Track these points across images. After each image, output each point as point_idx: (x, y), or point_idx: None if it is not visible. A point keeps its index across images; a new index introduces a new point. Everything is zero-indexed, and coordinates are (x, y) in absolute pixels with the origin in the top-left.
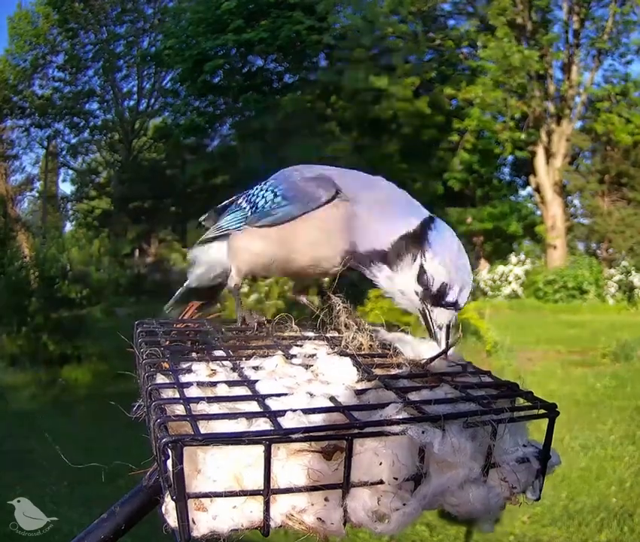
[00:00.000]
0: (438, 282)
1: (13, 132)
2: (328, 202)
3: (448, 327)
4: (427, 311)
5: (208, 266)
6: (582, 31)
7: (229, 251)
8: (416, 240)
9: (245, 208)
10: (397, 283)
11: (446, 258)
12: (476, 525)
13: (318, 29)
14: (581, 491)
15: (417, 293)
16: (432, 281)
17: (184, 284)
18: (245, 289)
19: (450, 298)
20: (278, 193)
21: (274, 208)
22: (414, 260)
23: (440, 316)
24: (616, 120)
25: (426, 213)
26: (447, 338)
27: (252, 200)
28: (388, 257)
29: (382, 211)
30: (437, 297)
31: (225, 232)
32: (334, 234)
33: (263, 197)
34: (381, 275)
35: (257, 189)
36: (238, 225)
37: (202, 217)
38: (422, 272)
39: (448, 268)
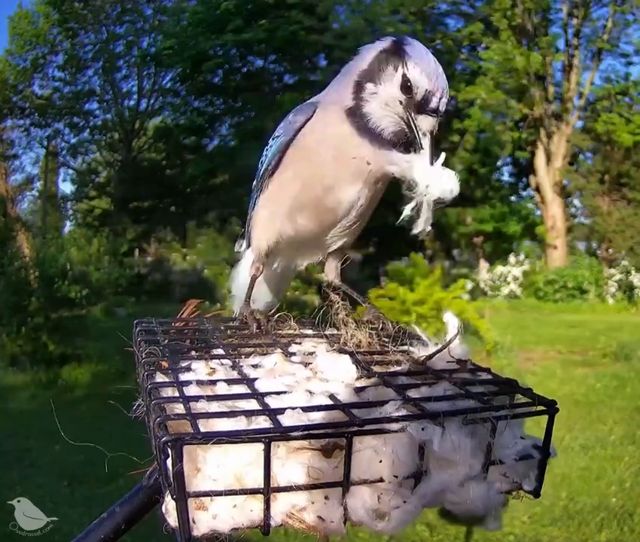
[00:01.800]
0: (422, 89)
1: (13, 132)
2: (307, 121)
3: (432, 133)
4: (411, 119)
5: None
6: (582, 31)
7: (250, 240)
8: (395, 53)
9: (257, 175)
10: (382, 96)
11: (426, 66)
12: (482, 524)
13: (318, 29)
14: (581, 491)
15: (401, 103)
16: (416, 88)
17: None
18: None
19: (433, 104)
20: (272, 140)
21: (269, 150)
22: (396, 70)
23: (424, 122)
24: (616, 120)
25: (393, 37)
26: (431, 145)
27: (261, 161)
28: (370, 74)
29: (347, 68)
30: (420, 104)
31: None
32: (330, 111)
33: (265, 151)
34: (367, 95)
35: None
36: (253, 202)
37: (237, 247)
38: (405, 80)
39: (429, 75)
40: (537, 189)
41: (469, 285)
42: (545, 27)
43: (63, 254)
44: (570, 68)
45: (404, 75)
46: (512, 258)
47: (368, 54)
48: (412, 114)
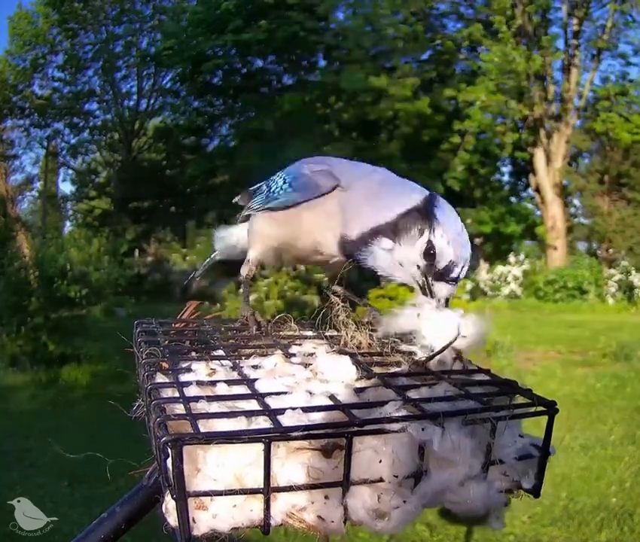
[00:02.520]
0: (446, 260)
1: (13, 132)
2: (328, 192)
3: (448, 300)
4: (427, 284)
5: (234, 240)
6: (582, 31)
7: (248, 234)
8: (423, 215)
9: (264, 191)
10: (398, 255)
11: (453, 236)
12: (486, 523)
13: (318, 30)
14: (581, 491)
15: (419, 267)
16: (441, 258)
17: (211, 256)
18: None
19: (454, 274)
20: (286, 181)
21: (281, 193)
22: (421, 235)
23: (442, 290)
24: (615, 119)
25: (427, 191)
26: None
27: (269, 185)
28: (388, 231)
29: (377, 192)
30: (442, 273)
31: (250, 212)
32: (331, 220)
33: (276, 183)
34: (378, 248)
35: (276, 175)
36: (257, 206)
37: (237, 198)
38: (429, 247)
39: (455, 246)
40: (537, 189)
41: (469, 285)
42: (545, 27)
43: (63, 254)
44: (570, 69)
45: (430, 242)
46: (512, 258)
47: (397, 208)
48: (430, 280)
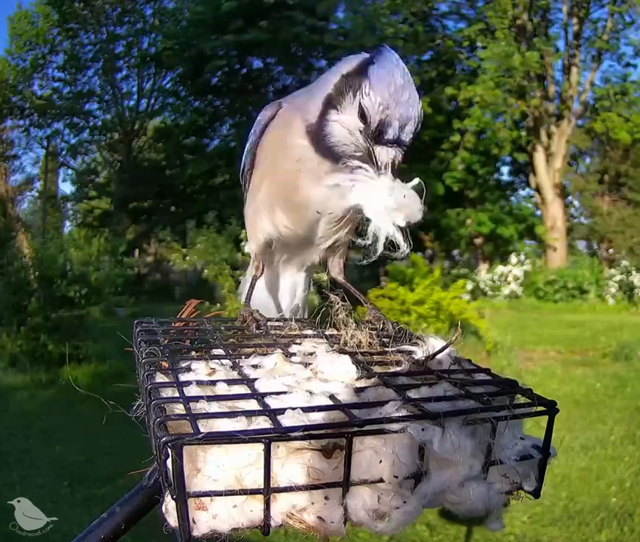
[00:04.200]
0: (376, 119)
1: (13, 132)
2: (272, 118)
3: (393, 165)
4: (371, 149)
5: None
6: (582, 31)
7: (246, 233)
8: (357, 76)
9: (240, 172)
10: (345, 124)
11: (384, 92)
12: (485, 524)
13: (319, 29)
14: (581, 491)
15: (361, 132)
16: (369, 118)
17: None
18: None
19: (390, 135)
20: (249, 135)
21: (247, 148)
22: (355, 98)
23: (382, 154)
24: (615, 119)
25: (366, 54)
26: (393, 177)
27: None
28: (333, 100)
29: (320, 78)
30: (376, 135)
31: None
32: (290, 125)
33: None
34: (329, 122)
35: None
36: (244, 196)
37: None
38: (361, 108)
39: (386, 103)
40: (538, 189)
41: (469, 285)
42: (545, 27)
43: (63, 254)
44: (570, 68)
45: (360, 103)
46: (513, 258)
47: (333, 76)
48: (372, 144)
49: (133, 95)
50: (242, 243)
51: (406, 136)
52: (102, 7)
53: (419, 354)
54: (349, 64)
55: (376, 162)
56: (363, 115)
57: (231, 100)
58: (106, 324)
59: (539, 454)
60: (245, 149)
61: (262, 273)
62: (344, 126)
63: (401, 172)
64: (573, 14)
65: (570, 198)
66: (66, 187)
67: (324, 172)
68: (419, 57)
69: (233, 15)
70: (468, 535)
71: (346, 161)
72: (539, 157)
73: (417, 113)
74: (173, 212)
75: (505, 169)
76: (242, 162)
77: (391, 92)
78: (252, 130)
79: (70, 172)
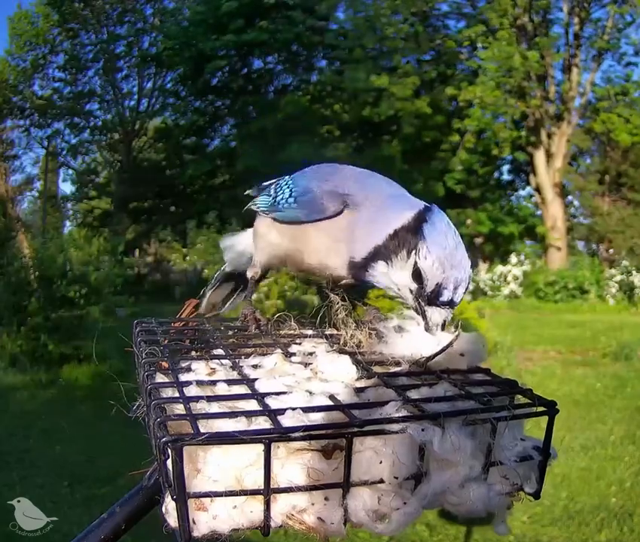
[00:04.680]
0: (432, 282)
1: (13, 132)
2: (335, 215)
3: (443, 325)
4: (420, 309)
5: (241, 247)
6: (582, 31)
7: (253, 235)
8: (412, 234)
9: (271, 195)
10: (394, 279)
11: (441, 255)
12: (492, 529)
13: (319, 29)
14: (581, 491)
15: (411, 291)
16: (426, 281)
17: (221, 268)
18: None
19: (445, 298)
20: (292, 194)
21: (286, 206)
22: (409, 257)
23: (435, 315)
24: (615, 120)
25: (422, 204)
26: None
27: (277, 191)
28: (384, 253)
29: (377, 212)
30: (431, 296)
31: (255, 209)
32: (338, 243)
33: (282, 191)
34: (377, 272)
35: (284, 180)
36: (263, 209)
37: (249, 191)
38: (416, 270)
39: (443, 266)
40: (538, 189)
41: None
42: (546, 27)
43: (62, 254)
44: (570, 68)
45: (415, 264)
46: (513, 258)
47: (387, 230)
48: (422, 305)
49: (134, 95)
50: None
51: (458, 298)
52: (102, 7)
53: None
54: (401, 219)
55: (427, 321)
56: (418, 276)
57: (231, 100)
58: (106, 324)
59: (539, 456)
60: (291, 191)
61: (260, 277)
62: (393, 282)
63: (403, 173)
64: (573, 14)
65: (570, 198)
66: (66, 187)
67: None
68: (419, 57)
69: (233, 15)
70: (468, 535)
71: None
72: (539, 157)
73: (468, 274)
74: (173, 212)
75: (505, 169)
76: (280, 215)
77: (447, 254)
78: (305, 196)
79: (70, 172)
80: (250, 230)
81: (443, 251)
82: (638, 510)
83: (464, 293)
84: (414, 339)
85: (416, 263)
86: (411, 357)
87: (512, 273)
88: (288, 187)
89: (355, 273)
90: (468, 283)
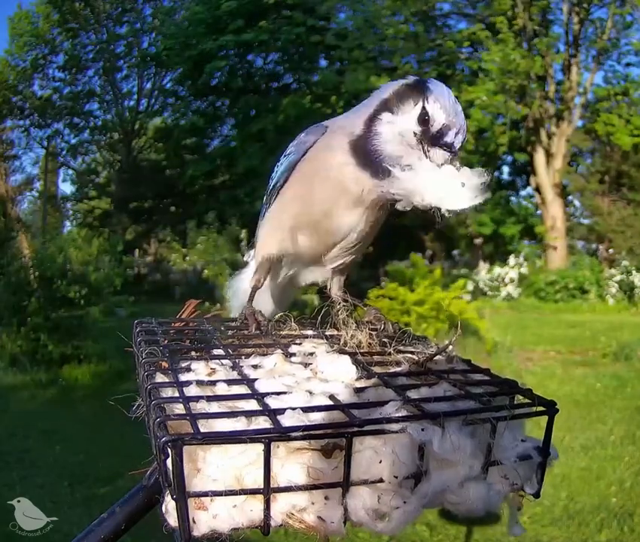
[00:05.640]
0: (439, 122)
1: (13, 132)
2: (315, 142)
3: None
4: (424, 150)
5: (246, 289)
6: (582, 32)
7: (255, 251)
8: (416, 89)
9: (267, 189)
10: (398, 127)
11: (446, 103)
12: (491, 526)
13: (319, 29)
14: (581, 491)
15: (415, 134)
16: (433, 121)
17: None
18: None
19: (448, 138)
20: (280, 158)
21: (280, 167)
22: (415, 104)
23: (437, 156)
24: (616, 121)
25: (417, 77)
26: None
27: (271, 177)
28: (388, 105)
29: (367, 98)
30: (435, 137)
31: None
32: (336, 138)
33: (274, 170)
34: (383, 122)
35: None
36: (264, 205)
37: (246, 256)
38: (423, 113)
39: (448, 111)
40: (538, 189)
41: (470, 286)
42: (546, 27)
43: (62, 254)
44: (570, 68)
45: (423, 108)
46: (512, 259)
47: (390, 87)
48: (426, 146)
49: (133, 95)
50: (242, 243)
51: (458, 143)
52: (102, 6)
53: (419, 354)
54: (402, 82)
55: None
56: (423, 120)
57: (231, 100)
58: (106, 324)
59: (539, 456)
60: (280, 167)
61: (262, 285)
62: (396, 127)
63: None
64: (573, 14)
65: (570, 198)
66: (66, 187)
67: (365, 191)
68: (419, 58)
69: (233, 15)
70: (468, 535)
71: (391, 167)
72: (539, 157)
73: (466, 127)
74: (173, 212)
75: (505, 169)
76: (275, 179)
77: (451, 103)
78: (291, 149)
79: (70, 172)
80: (252, 264)
81: (447, 100)
82: (638, 510)
83: (463, 141)
84: (419, 176)
85: (424, 107)
86: (414, 193)
87: (509, 275)
88: (278, 162)
89: (359, 152)
90: (465, 134)
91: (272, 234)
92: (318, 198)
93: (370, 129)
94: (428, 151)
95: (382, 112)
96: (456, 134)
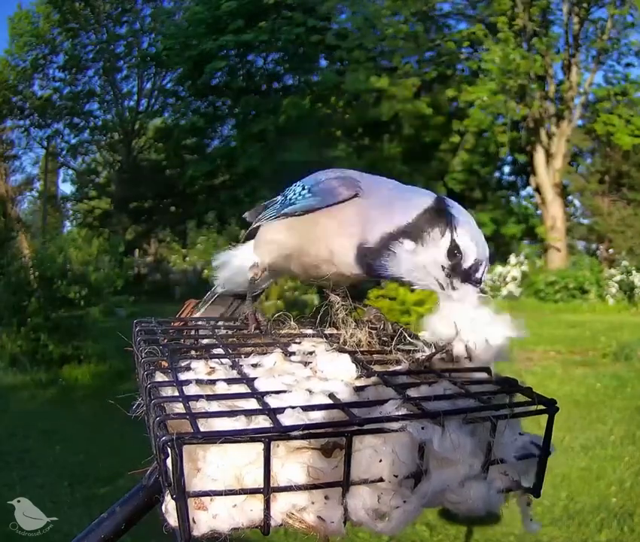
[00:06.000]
0: (471, 259)
1: (13, 132)
2: (348, 199)
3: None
4: (452, 287)
5: (238, 262)
6: (582, 32)
7: (256, 242)
8: (439, 215)
9: (279, 201)
10: (422, 258)
11: (474, 234)
12: (491, 526)
13: (320, 30)
14: (581, 491)
15: (443, 268)
16: (464, 257)
17: (212, 290)
18: None
19: (478, 274)
20: (305, 187)
21: (299, 199)
22: (443, 235)
23: (469, 292)
24: (616, 121)
25: (434, 194)
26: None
27: (286, 194)
28: (411, 232)
29: (391, 198)
30: (467, 273)
31: (261, 223)
32: (350, 227)
33: (293, 191)
34: (401, 250)
35: (293, 185)
36: (270, 215)
37: (246, 214)
38: (453, 246)
39: (478, 244)
40: (538, 189)
41: None
42: (546, 27)
43: (62, 254)
44: (570, 68)
45: (453, 241)
46: (513, 259)
47: (413, 210)
48: (454, 282)
49: (133, 95)
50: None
51: (485, 277)
52: (102, 7)
53: (419, 353)
54: (425, 200)
55: (459, 297)
56: (453, 254)
57: (232, 100)
58: (106, 324)
59: (537, 450)
60: (301, 197)
61: (260, 278)
62: (419, 258)
63: (403, 173)
64: (573, 14)
65: (570, 198)
66: (66, 187)
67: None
68: (419, 58)
69: (233, 15)
70: (468, 535)
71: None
72: (539, 157)
73: (489, 255)
74: (173, 212)
75: (506, 169)
76: (289, 205)
77: (477, 233)
78: (318, 187)
79: (70, 172)
80: (250, 242)
81: (474, 231)
82: (638, 510)
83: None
84: (450, 317)
85: (454, 240)
86: (448, 337)
87: (511, 274)
88: (300, 186)
89: (365, 260)
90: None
91: (271, 246)
92: (314, 254)
93: (384, 247)
94: (456, 288)
95: (401, 237)
96: (485, 267)
